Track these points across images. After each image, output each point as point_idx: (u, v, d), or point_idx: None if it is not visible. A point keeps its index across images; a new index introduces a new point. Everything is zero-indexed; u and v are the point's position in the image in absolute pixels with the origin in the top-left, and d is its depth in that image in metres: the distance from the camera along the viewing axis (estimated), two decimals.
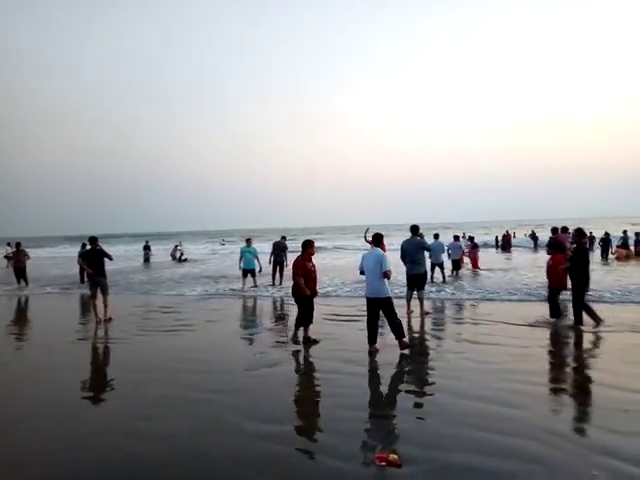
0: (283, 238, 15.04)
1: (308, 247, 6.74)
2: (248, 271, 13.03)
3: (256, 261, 13.03)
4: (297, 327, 7.00)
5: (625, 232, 21.82)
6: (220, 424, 4.06)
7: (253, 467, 3.30)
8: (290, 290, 7.13)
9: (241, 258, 13.23)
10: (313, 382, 5.32)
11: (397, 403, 4.62)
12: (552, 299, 8.01)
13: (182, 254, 27.90)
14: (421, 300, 8.85)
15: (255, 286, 13.16)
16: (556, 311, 7.94)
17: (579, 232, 7.98)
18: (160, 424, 4.11)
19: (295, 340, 6.90)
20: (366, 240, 12.07)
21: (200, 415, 4.30)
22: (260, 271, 13.25)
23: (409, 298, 9.06)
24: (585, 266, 7.61)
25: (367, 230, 11.22)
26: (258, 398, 4.73)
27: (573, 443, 3.49)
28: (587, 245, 8.69)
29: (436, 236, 14.74)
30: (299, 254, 6.78)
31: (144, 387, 5.16)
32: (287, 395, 4.84)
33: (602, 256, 20.57)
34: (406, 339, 6.34)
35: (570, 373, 5.47)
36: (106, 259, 9.26)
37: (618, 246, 20.89)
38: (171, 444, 3.70)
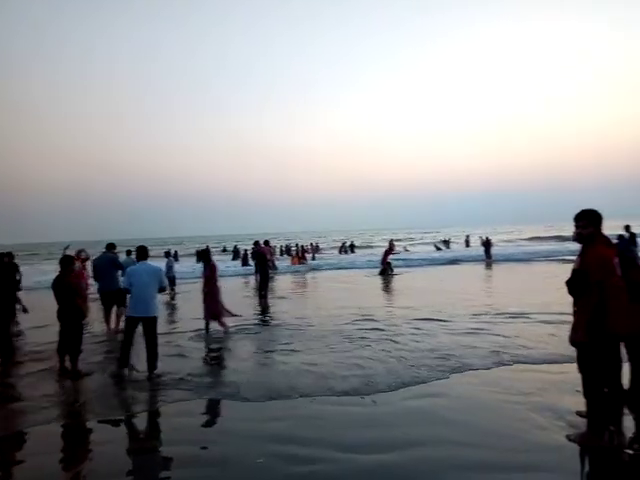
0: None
1: (70, 265, 6.20)
2: None
3: None
4: (63, 356, 6.00)
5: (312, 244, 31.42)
6: None
7: None
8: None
9: None
10: None
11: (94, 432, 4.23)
12: None
13: None
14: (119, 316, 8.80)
15: None
16: None
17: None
18: None
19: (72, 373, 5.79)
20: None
21: None
22: None
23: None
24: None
25: (67, 247, 10.28)
26: None
27: (244, 438, 3.89)
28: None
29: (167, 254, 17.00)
30: (60, 273, 6.05)
31: None
32: None
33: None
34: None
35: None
36: None
37: (292, 256, 26.53)
38: None
